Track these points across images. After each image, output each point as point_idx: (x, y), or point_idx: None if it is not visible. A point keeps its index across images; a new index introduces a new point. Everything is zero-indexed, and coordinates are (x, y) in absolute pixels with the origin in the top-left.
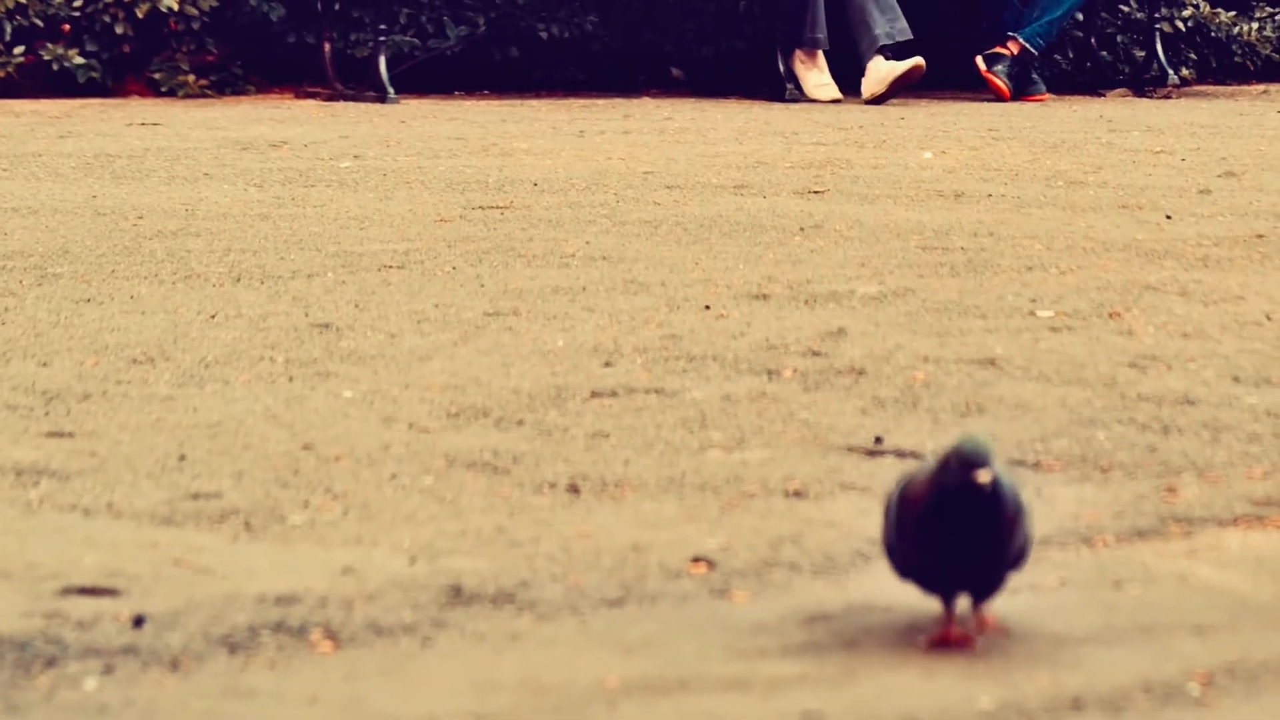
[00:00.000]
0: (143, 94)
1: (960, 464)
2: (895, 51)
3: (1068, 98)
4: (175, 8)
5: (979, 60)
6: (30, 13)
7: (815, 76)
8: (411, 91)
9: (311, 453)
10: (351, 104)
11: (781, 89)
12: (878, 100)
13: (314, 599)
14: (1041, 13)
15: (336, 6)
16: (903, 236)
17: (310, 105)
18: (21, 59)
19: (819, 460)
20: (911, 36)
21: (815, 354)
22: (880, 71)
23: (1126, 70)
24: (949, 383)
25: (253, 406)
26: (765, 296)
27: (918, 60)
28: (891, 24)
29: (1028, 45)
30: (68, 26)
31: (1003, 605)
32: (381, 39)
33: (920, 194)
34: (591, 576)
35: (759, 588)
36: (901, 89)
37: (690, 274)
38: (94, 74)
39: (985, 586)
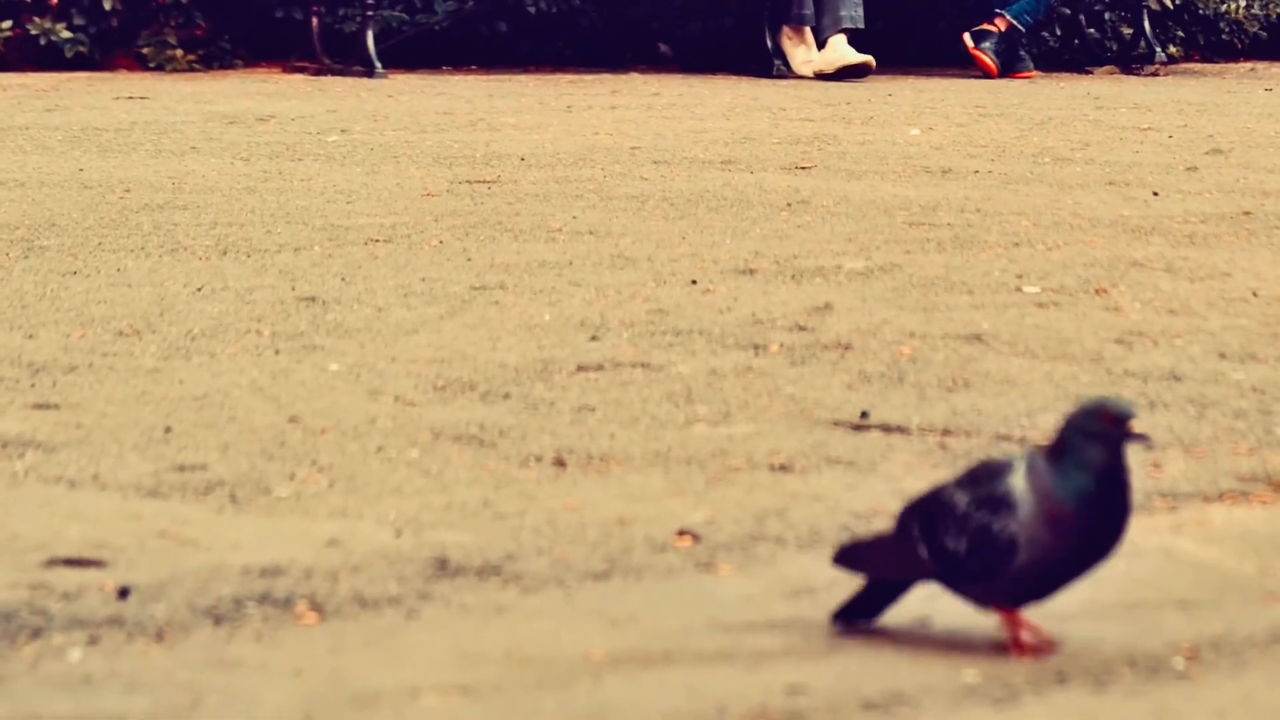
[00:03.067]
0: (130, 68)
1: (1113, 420)
2: (852, 40)
3: (1055, 75)
4: None
5: (966, 37)
6: None
7: (803, 53)
8: (399, 66)
9: (297, 425)
10: (339, 78)
11: (769, 65)
12: (821, 77)
13: (299, 571)
14: None
15: None
16: (890, 212)
17: (298, 79)
18: (9, 33)
19: (805, 435)
20: (863, 27)
21: (801, 329)
22: (837, 52)
23: (1114, 47)
24: (935, 358)
25: (239, 379)
26: (752, 271)
27: (870, 59)
28: (854, 9)
29: (1015, 22)
30: (55, 0)
31: None
32: (369, 13)
33: (907, 170)
34: (577, 549)
35: (744, 561)
36: (846, 77)
37: (677, 249)
38: (81, 48)
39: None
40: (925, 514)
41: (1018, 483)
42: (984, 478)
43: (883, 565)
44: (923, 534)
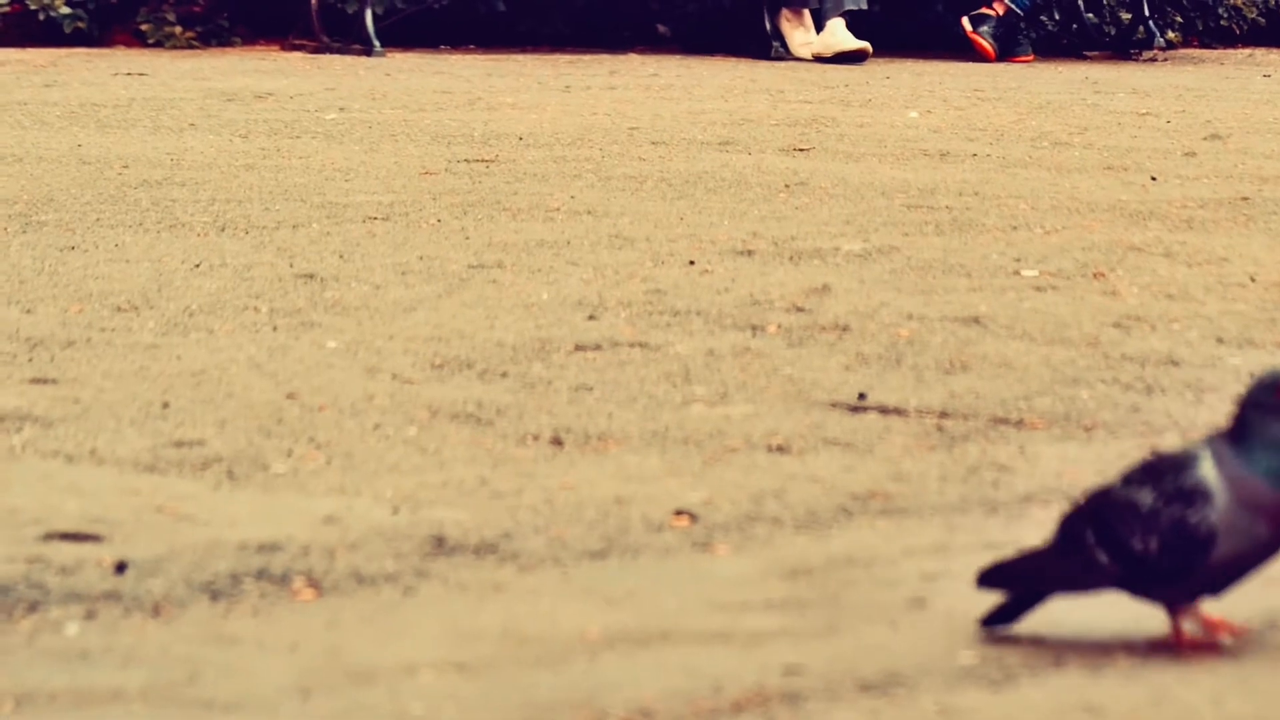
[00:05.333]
0: (129, 44)
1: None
2: (850, 23)
3: (1053, 60)
4: None
5: (965, 21)
6: None
7: (801, 35)
8: (397, 45)
9: (295, 402)
10: (338, 56)
11: (767, 47)
12: (819, 60)
13: (296, 547)
14: None
15: None
16: (888, 195)
17: (296, 57)
18: (7, 8)
19: (802, 415)
20: (866, 7)
21: (799, 310)
22: (835, 37)
23: (1113, 32)
24: (933, 340)
25: (236, 355)
26: (750, 252)
27: (867, 45)
28: None
29: (1014, 6)
30: None
31: (982, 561)
32: None
33: (905, 153)
34: (574, 528)
35: (741, 541)
36: (843, 62)
37: (675, 229)
38: (80, 24)
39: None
40: (1099, 517)
41: (1208, 472)
42: (1166, 471)
43: (1041, 579)
44: (1100, 539)
